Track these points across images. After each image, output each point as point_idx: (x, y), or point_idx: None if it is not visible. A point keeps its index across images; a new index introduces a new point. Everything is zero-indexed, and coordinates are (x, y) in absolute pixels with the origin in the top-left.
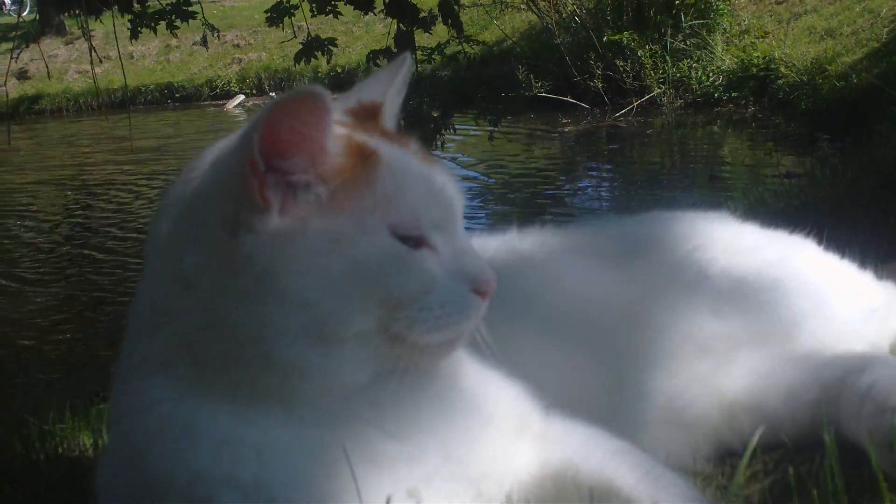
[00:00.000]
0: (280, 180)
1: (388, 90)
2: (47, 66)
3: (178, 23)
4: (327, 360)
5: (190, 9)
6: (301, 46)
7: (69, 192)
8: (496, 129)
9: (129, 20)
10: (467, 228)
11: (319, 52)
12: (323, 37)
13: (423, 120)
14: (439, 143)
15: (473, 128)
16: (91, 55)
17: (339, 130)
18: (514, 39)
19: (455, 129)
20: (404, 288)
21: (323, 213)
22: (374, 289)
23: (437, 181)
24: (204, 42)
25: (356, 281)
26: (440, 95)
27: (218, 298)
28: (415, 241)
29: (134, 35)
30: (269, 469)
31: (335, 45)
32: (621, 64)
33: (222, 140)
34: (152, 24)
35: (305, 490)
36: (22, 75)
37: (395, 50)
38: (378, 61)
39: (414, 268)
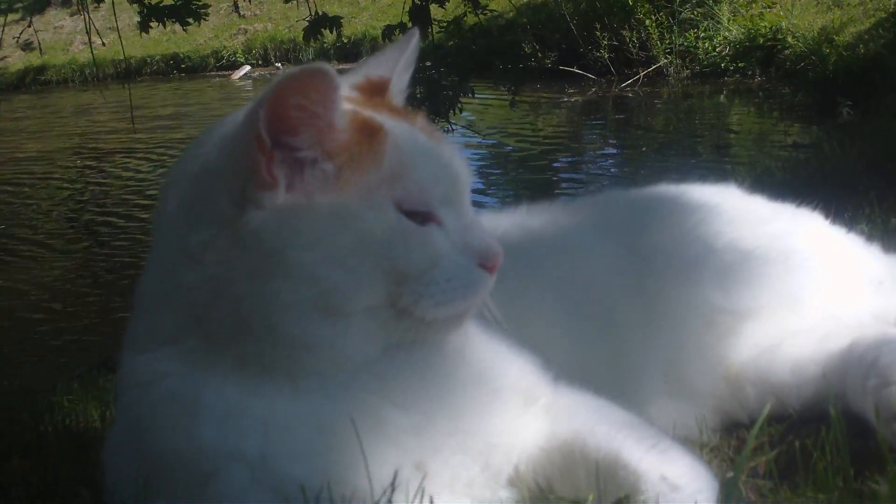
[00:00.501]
0: (287, 157)
1: (396, 66)
2: (38, 43)
3: (190, 20)
4: (335, 334)
5: (200, 4)
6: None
7: (83, 161)
8: (516, 93)
9: (138, 12)
10: (475, 203)
11: (327, 30)
12: (329, 10)
13: (440, 88)
14: (458, 109)
15: (488, 95)
16: (88, 29)
17: (345, 106)
18: (518, 7)
19: (474, 93)
20: (410, 263)
21: (330, 189)
22: (380, 264)
23: (444, 156)
24: (236, 8)
25: (363, 256)
26: (457, 62)
27: (226, 274)
28: (422, 217)
29: (144, 29)
30: (274, 442)
31: (340, 26)
32: (628, 34)
33: (228, 116)
34: (162, 20)
35: (311, 463)
36: (27, 46)
37: (410, 25)
38: (394, 36)
39: (420, 243)
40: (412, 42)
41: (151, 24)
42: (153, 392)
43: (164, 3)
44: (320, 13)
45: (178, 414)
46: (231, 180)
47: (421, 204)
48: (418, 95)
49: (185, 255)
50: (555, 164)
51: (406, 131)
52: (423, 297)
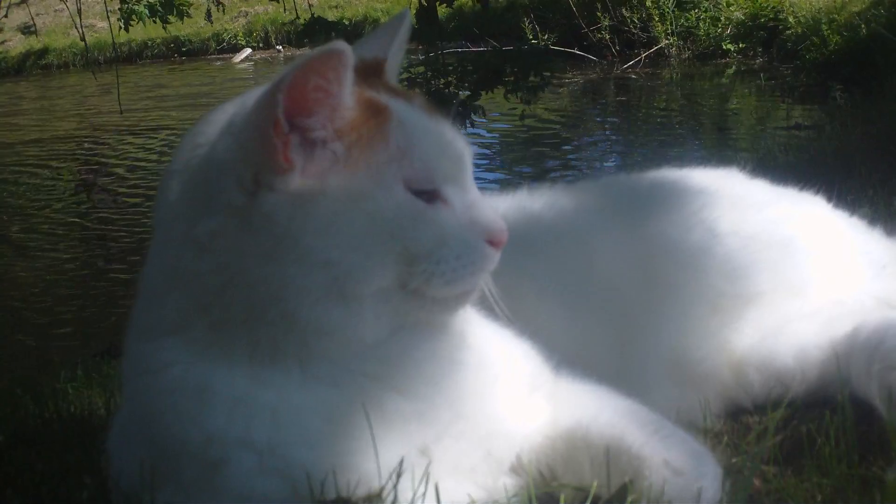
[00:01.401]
0: (302, 139)
1: (391, 48)
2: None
3: (171, 18)
4: (348, 318)
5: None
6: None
7: (84, 144)
8: (529, 103)
9: (120, 11)
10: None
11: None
12: None
13: (448, 103)
14: (468, 123)
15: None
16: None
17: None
18: None
19: (485, 113)
20: (420, 241)
21: (340, 170)
22: (391, 244)
23: (446, 134)
24: (208, 17)
25: (375, 237)
26: (467, 74)
27: (237, 261)
28: (428, 195)
29: (126, 28)
30: (282, 429)
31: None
32: (628, 15)
33: (227, 103)
34: (143, 19)
35: (318, 450)
36: (27, 30)
37: (417, 26)
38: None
39: (429, 221)
40: (405, 23)
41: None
42: (161, 380)
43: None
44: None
45: (186, 402)
46: (242, 167)
47: (427, 182)
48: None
49: (192, 243)
50: (555, 147)
51: (407, 110)
52: (435, 275)
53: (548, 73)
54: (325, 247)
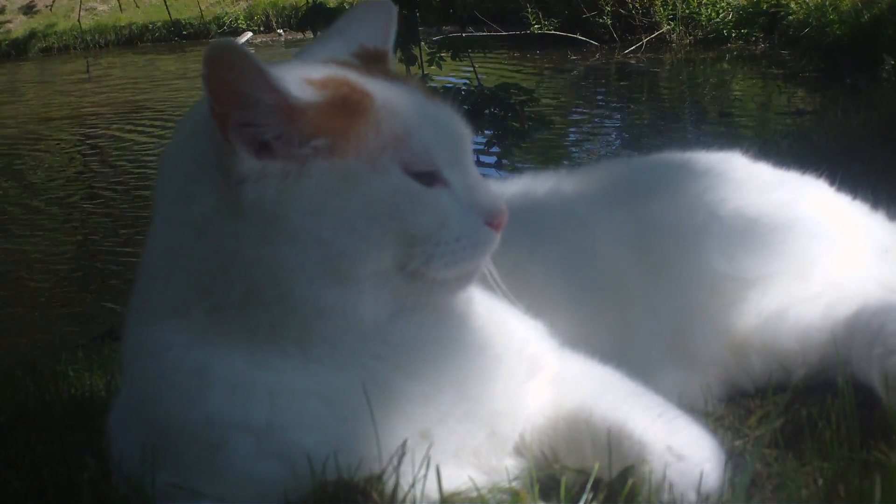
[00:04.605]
0: (245, 128)
1: (387, 39)
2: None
3: None
4: (346, 298)
5: None
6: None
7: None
8: (505, 162)
9: None
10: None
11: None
12: None
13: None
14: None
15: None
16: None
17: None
18: None
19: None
20: (419, 224)
21: (325, 157)
22: (389, 226)
23: (444, 117)
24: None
25: (370, 219)
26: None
27: (231, 243)
28: (428, 178)
29: None
30: (282, 412)
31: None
32: (630, 0)
33: None
34: None
35: (319, 433)
36: (29, 10)
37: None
38: None
39: (428, 204)
40: (393, 13)
41: None
42: (161, 362)
43: None
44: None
45: (186, 383)
46: (210, 152)
47: (427, 164)
48: None
49: (189, 226)
50: (559, 132)
51: (405, 95)
52: (434, 257)
53: (530, 123)
54: (317, 226)
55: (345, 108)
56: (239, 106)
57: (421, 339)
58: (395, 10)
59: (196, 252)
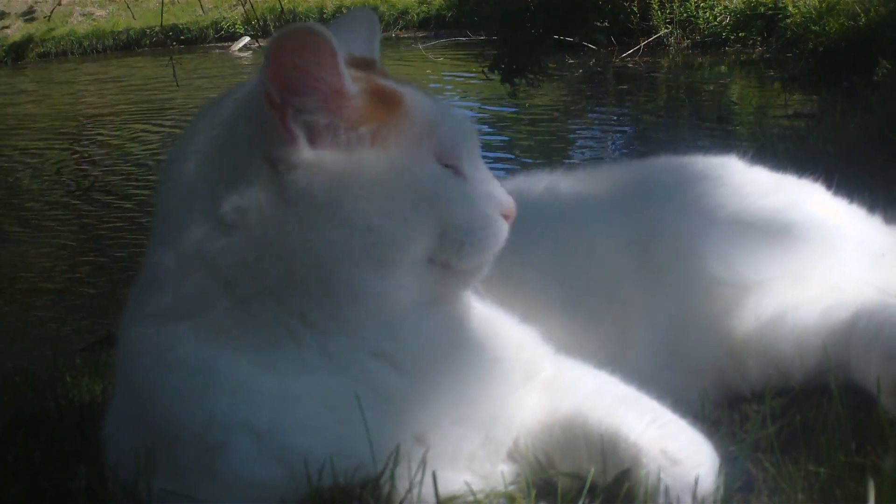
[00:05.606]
0: (297, 115)
1: (373, 48)
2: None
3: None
4: (384, 283)
5: None
6: None
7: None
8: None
9: None
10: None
11: None
12: None
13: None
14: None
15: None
16: None
17: (355, 73)
18: None
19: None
20: (455, 212)
21: (370, 146)
22: (429, 213)
23: (457, 114)
24: None
25: (415, 206)
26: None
27: (273, 232)
28: (453, 170)
29: None
30: (283, 415)
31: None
32: (627, 3)
33: (242, 84)
34: None
35: (318, 436)
36: (28, 15)
37: None
38: None
39: (460, 193)
40: (377, 23)
41: None
42: (163, 358)
43: None
44: None
45: (188, 382)
46: (258, 142)
47: (452, 158)
48: None
49: (215, 223)
50: (556, 134)
51: (420, 94)
52: (465, 244)
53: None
54: (367, 212)
55: (382, 99)
56: (301, 93)
57: (426, 338)
58: (377, 19)
59: (221, 247)
